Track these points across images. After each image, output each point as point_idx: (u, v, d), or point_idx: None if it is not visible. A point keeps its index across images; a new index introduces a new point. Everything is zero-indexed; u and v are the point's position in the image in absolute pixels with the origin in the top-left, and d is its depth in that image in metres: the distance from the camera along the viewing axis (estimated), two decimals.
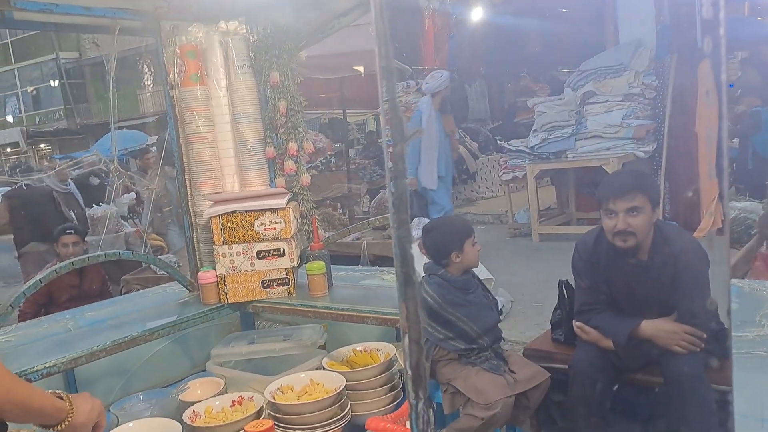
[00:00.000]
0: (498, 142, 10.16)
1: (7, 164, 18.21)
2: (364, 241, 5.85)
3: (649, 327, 2.38)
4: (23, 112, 25.39)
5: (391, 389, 2.22)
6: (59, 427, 1.29)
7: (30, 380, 1.86)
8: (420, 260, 2.56)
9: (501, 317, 3.72)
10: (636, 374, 2.49)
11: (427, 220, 4.10)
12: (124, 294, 4.67)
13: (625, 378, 2.50)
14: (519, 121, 9.65)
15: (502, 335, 2.63)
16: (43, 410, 1.27)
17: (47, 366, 1.92)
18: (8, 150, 18.49)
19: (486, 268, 4.33)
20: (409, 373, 0.65)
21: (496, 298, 2.82)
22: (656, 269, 2.41)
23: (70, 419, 1.30)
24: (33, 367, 1.89)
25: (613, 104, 6.44)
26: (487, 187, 10.45)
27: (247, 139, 2.60)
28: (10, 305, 2.07)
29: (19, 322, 2.90)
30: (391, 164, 0.68)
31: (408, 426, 1.88)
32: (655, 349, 2.38)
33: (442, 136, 6.38)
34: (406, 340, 0.65)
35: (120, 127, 13.73)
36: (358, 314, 2.22)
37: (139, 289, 4.84)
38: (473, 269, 2.61)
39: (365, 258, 5.73)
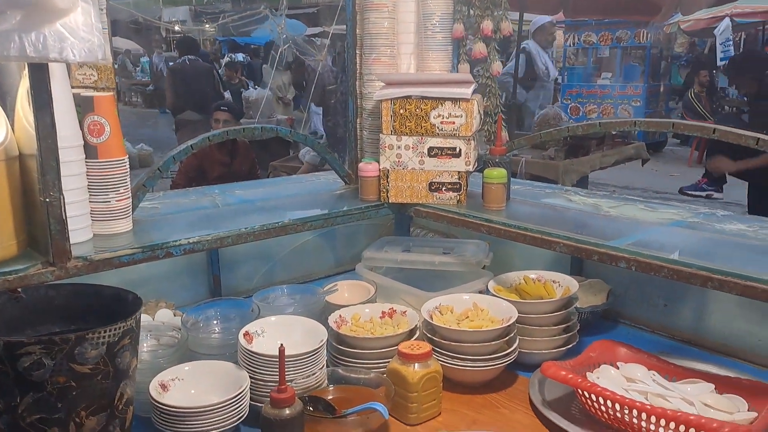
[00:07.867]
0: None
1: (174, 41, 19.00)
2: (523, 159, 5.38)
3: None
4: None
5: (566, 330, 1.84)
6: None
7: (171, 254, 1.66)
8: None
9: None
10: None
11: None
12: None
13: None
14: None
15: None
16: None
17: (191, 242, 1.70)
18: (176, 28, 19.21)
19: None
20: None
21: None
22: None
23: None
24: (176, 241, 1.68)
25: None
26: None
27: (434, 12, 2.17)
28: (158, 169, 1.87)
29: None
30: None
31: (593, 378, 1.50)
32: None
33: None
34: None
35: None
36: (544, 237, 1.82)
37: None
38: None
39: (521, 177, 5.28)
